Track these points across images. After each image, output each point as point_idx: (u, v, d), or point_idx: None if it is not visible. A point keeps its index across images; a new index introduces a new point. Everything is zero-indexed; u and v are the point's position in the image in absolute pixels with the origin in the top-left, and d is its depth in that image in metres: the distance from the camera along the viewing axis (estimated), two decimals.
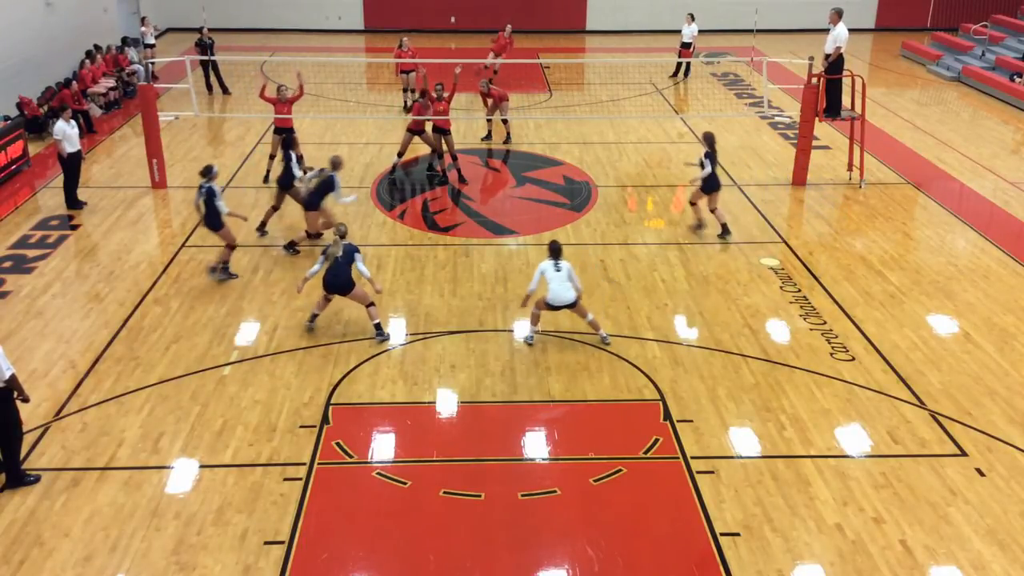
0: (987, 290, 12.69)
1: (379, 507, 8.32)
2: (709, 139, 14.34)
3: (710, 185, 14.07)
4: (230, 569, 7.56)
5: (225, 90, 23.04)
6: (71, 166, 15.21)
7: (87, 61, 22.00)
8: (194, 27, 27.83)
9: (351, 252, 10.90)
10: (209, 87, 23.02)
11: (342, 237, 10.92)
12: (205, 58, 22.29)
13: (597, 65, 27.44)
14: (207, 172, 12.54)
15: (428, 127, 16.62)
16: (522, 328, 11.45)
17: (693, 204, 14.58)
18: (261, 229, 14.28)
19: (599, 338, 11.09)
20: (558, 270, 10.80)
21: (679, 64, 25.25)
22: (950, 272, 13.24)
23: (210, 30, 23.76)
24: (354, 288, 11.02)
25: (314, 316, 11.33)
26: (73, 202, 15.38)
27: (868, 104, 18.45)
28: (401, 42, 21.06)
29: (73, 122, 15.29)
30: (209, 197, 12.37)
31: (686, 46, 25.17)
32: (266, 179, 16.59)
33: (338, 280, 10.91)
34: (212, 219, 12.52)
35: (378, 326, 11.16)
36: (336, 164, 13.14)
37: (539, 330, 11.26)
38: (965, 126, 21.05)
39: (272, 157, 16.55)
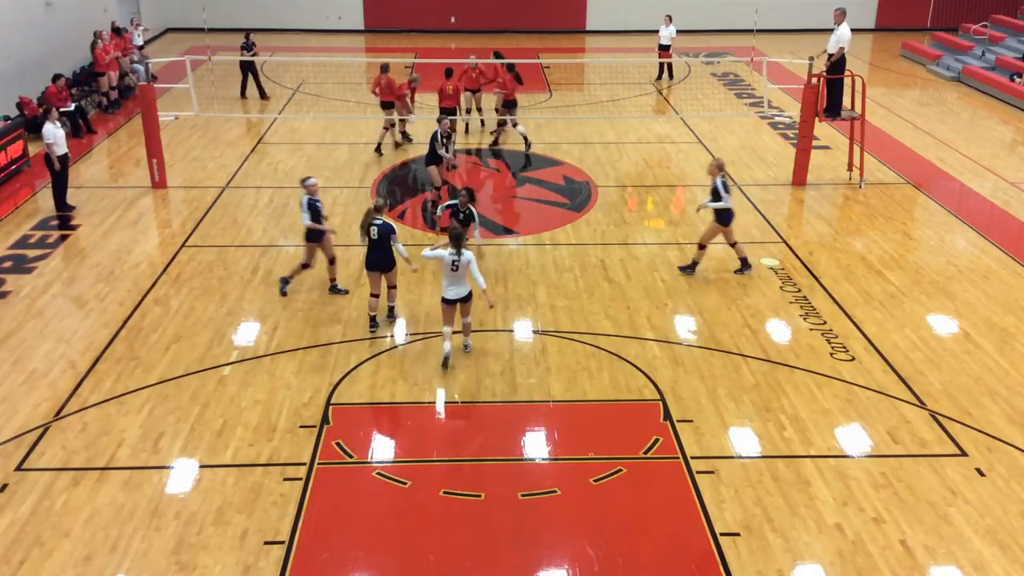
0: (987, 290, 12.69)
1: (379, 507, 8.32)
2: (720, 165, 12.81)
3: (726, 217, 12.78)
4: (230, 569, 7.56)
5: (263, 95, 22.45)
6: (62, 169, 14.95)
7: (99, 42, 21.80)
8: (194, 27, 27.87)
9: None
10: (244, 93, 22.49)
11: (378, 211, 11.11)
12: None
13: (597, 65, 27.44)
14: None
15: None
16: (522, 328, 11.48)
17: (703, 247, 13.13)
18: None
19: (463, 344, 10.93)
20: (455, 268, 10.42)
21: (662, 66, 25.16)
22: (950, 272, 13.24)
23: (252, 31, 23.44)
24: (393, 268, 11.27)
25: (373, 318, 11.44)
26: (62, 205, 15.13)
27: (868, 104, 18.44)
28: (473, 60, 19.48)
29: (59, 123, 15.00)
30: None
31: (664, 48, 24.87)
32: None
33: (380, 258, 11.11)
34: None
35: (392, 308, 11.58)
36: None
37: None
38: (965, 126, 21.05)
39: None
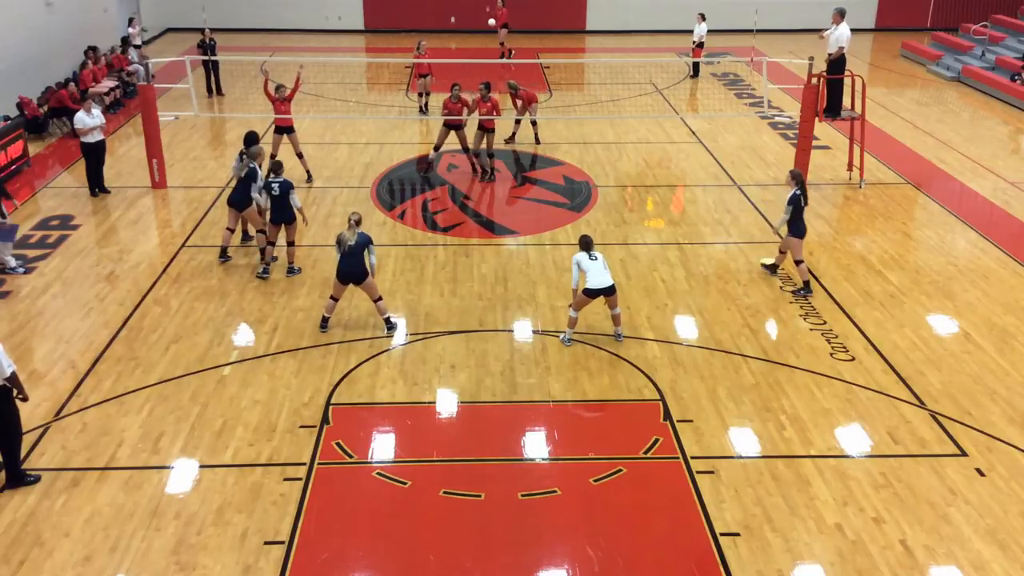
0: (987, 290, 12.69)
1: (379, 507, 8.32)
2: (793, 175, 12.68)
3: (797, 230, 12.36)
4: (230, 569, 7.56)
5: (219, 91, 22.85)
6: (86, 155, 15.79)
7: (89, 62, 21.92)
8: (194, 27, 27.85)
9: (365, 242, 10.89)
10: (209, 89, 22.81)
11: (357, 224, 10.88)
12: (206, 58, 22.16)
13: (597, 65, 27.44)
14: None
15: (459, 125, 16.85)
16: (522, 328, 11.48)
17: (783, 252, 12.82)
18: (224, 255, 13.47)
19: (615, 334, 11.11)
20: (594, 259, 10.72)
21: (696, 64, 25.66)
22: (950, 272, 13.24)
23: (212, 30, 23.67)
24: (368, 278, 11.00)
25: (325, 319, 11.31)
26: (92, 188, 15.97)
27: (868, 104, 18.44)
28: (419, 45, 20.74)
29: (92, 112, 15.67)
30: None
31: (699, 46, 25.53)
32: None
33: (354, 270, 10.89)
34: None
35: (388, 320, 11.30)
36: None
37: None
38: (965, 126, 21.04)
39: (273, 157, 16.58)
